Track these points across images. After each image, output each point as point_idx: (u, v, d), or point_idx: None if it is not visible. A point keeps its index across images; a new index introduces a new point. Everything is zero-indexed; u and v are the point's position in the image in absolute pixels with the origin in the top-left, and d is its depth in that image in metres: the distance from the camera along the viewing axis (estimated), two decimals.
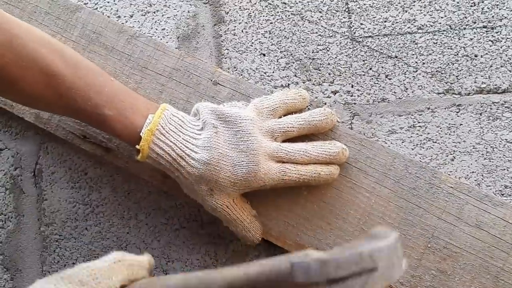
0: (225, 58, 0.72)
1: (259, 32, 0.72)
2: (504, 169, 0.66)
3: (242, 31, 0.72)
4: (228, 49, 0.72)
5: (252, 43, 0.72)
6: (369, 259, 0.33)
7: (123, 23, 0.73)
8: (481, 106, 0.67)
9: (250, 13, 0.72)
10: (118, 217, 0.71)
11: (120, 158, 0.69)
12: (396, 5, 0.70)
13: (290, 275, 0.33)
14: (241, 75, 0.71)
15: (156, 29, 0.73)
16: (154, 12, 0.74)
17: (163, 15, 0.74)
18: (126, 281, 0.43)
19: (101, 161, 0.72)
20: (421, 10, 0.70)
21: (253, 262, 0.36)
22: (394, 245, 0.36)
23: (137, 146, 0.60)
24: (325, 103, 0.69)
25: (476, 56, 0.69)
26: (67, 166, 0.73)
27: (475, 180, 0.66)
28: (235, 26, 0.72)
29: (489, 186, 0.66)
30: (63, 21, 0.72)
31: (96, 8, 0.75)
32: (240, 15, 0.72)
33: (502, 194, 0.66)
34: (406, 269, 0.38)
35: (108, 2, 0.75)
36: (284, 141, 0.63)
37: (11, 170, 0.73)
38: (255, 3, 0.73)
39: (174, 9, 0.74)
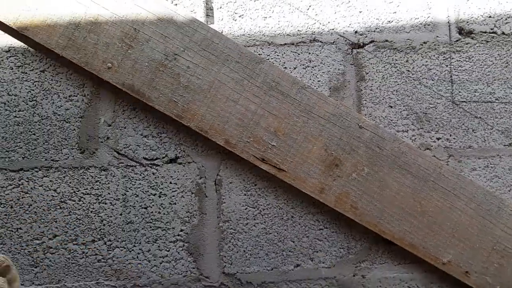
0: (363, 107, 0.99)
1: (389, 89, 0.99)
2: None
3: (377, 88, 0.99)
4: (366, 101, 0.99)
5: (384, 97, 0.99)
6: None
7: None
8: None
9: (383, 75, 0.99)
10: (278, 218, 0.97)
11: (288, 177, 0.94)
12: (483, 80, 1.01)
13: None
14: (374, 120, 0.99)
15: (313, 81, 0.98)
16: (313, 67, 0.98)
17: (319, 70, 0.98)
18: None
19: (268, 176, 0.96)
20: (499, 86, 1.01)
21: None
22: None
23: None
24: (431, 146, 0.99)
25: None
26: (242, 178, 0.96)
27: None
28: (372, 84, 0.99)
29: None
30: (250, 69, 0.94)
31: (268, 59, 0.97)
32: (376, 76, 0.99)
33: None
34: None
35: (277, 55, 0.97)
36: None
37: (196, 179, 0.96)
38: (388, 68, 0.99)
39: (328, 66, 0.98)
